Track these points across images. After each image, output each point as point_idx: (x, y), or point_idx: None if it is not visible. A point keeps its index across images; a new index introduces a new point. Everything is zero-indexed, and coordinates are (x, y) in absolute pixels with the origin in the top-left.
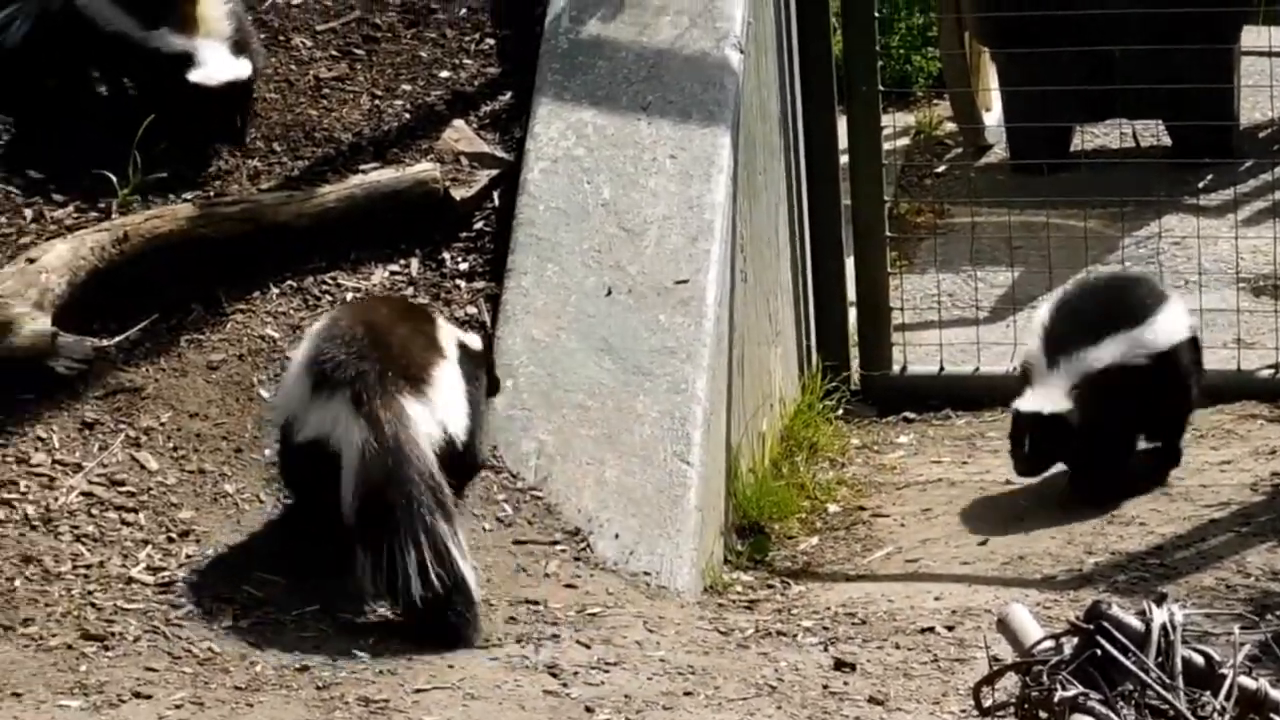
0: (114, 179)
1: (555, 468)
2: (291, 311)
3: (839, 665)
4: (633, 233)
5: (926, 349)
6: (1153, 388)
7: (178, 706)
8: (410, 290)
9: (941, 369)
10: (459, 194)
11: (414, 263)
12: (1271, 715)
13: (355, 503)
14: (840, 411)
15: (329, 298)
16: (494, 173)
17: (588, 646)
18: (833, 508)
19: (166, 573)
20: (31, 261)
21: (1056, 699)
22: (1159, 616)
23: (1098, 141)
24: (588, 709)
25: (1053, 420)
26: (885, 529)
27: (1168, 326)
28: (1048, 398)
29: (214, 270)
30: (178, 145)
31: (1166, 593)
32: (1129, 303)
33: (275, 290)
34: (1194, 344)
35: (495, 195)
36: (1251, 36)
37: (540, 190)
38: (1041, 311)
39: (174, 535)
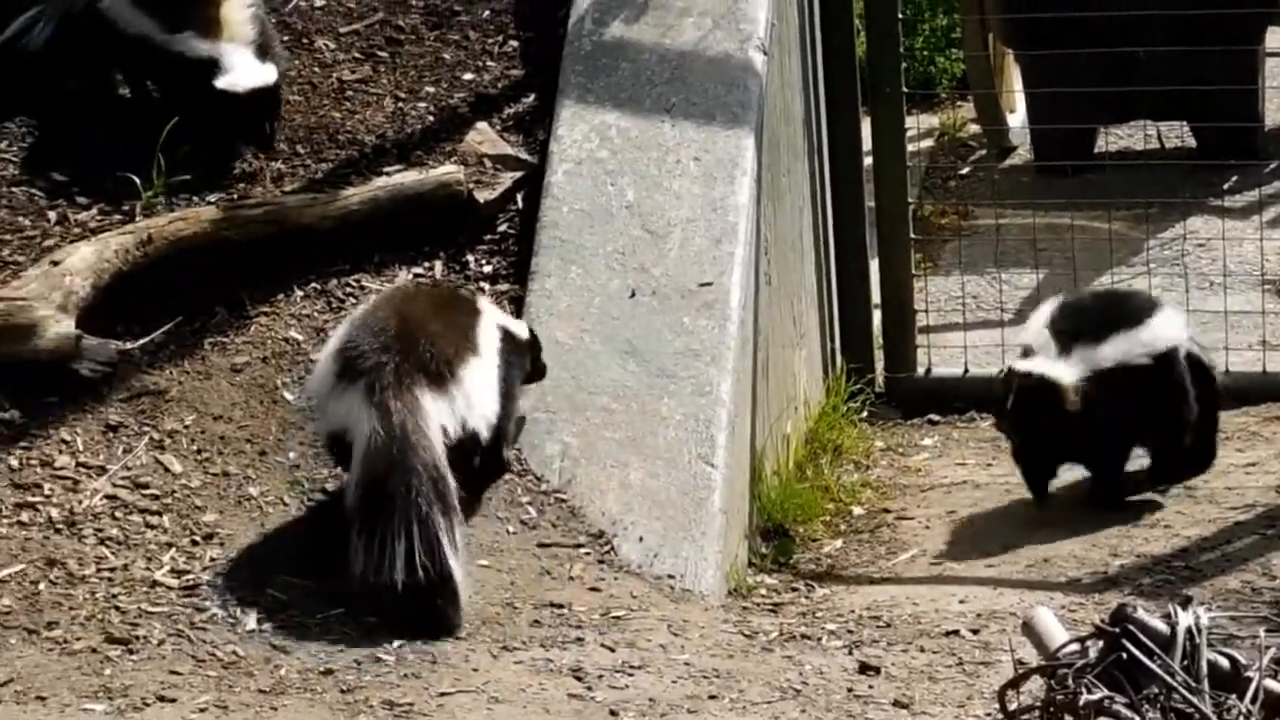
0: (137, 181)
1: (579, 470)
2: (315, 314)
3: (864, 668)
4: (656, 235)
5: (951, 351)
6: (1152, 392)
7: (202, 710)
8: None
9: (966, 371)
10: (482, 196)
11: (437, 265)
12: None
13: (357, 490)
14: (865, 414)
15: (352, 300)
16: (517, 175)
17: (612, 650)
18: (857, 510)
19: (190, 576)
20: (55, 264)
21: (1082, 702)
22: (1184, 619)
23: (1122, 143)
24: (612, 713)
25: (1045, 383)
26: (910, 532)
27: (1165, 333)
28: (1050, 367)
29: (238, 273)
30: (203, 150)
31: (1191, 595)
32: (1129, 309)
33: (299, 293)
34: (1194, 363)
35: (519, 197)
36: (1276, 38)
37: (564, 192)
38: (1045, 308)
39: (198, 538)
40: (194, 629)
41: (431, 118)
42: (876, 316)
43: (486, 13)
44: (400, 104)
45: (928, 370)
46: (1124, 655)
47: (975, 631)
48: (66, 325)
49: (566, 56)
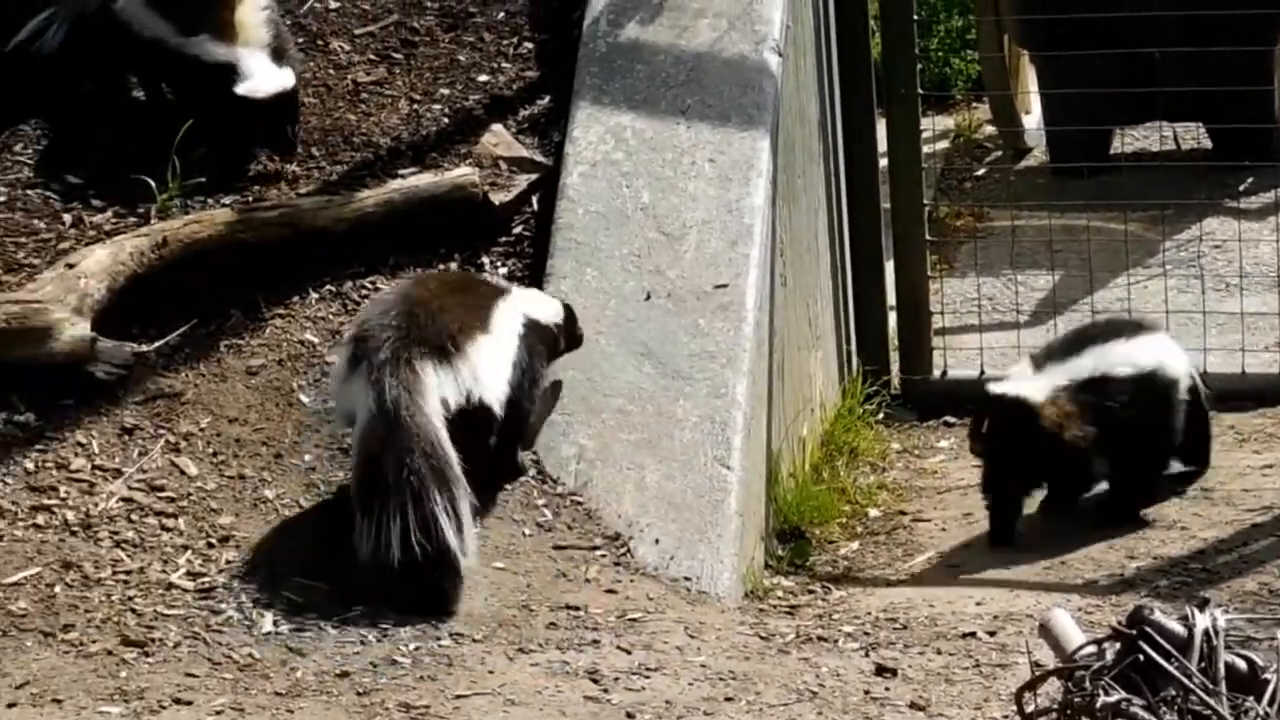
0: (152, 184)
1: (595, 472)
2: (330, 316)
3: (880, 671)
4: (672, 237)
5: (967, 353)
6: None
7: (218, 713)
8: None
9: (982, 373)
10: (498, 198)
11: (452, 267)
12: None
13: (356, 471)
14: (881, 416)
15: (368, 302)
16: (533, 177)
17: (628, 652)
18: (873, 512)
19: (206, 578)
20: (71, 267)
21: (1099, 705)
22: (1201, 621)
23: (1138, 144)
24: (628, 715)
25: (1018, 404)
26: (926, 534)
27: (1149, 359)
28: (1022, 387)
29: (253, 275)
30: (219, 153)
31: (1209, 597)
32: (1123, 328)
33: (314, 295)
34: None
35: (534, 199)
36: None
37: (579, 194)
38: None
39: (214, 541)
40: (210, 631)
41: (446, 120)
42: (892, 318)
43: (501, 14)
44: (415, 106)
45: (943, 372)
46: (1141, 657)
47: (992, 633)
48: (82, 328)
49: (581, 58)
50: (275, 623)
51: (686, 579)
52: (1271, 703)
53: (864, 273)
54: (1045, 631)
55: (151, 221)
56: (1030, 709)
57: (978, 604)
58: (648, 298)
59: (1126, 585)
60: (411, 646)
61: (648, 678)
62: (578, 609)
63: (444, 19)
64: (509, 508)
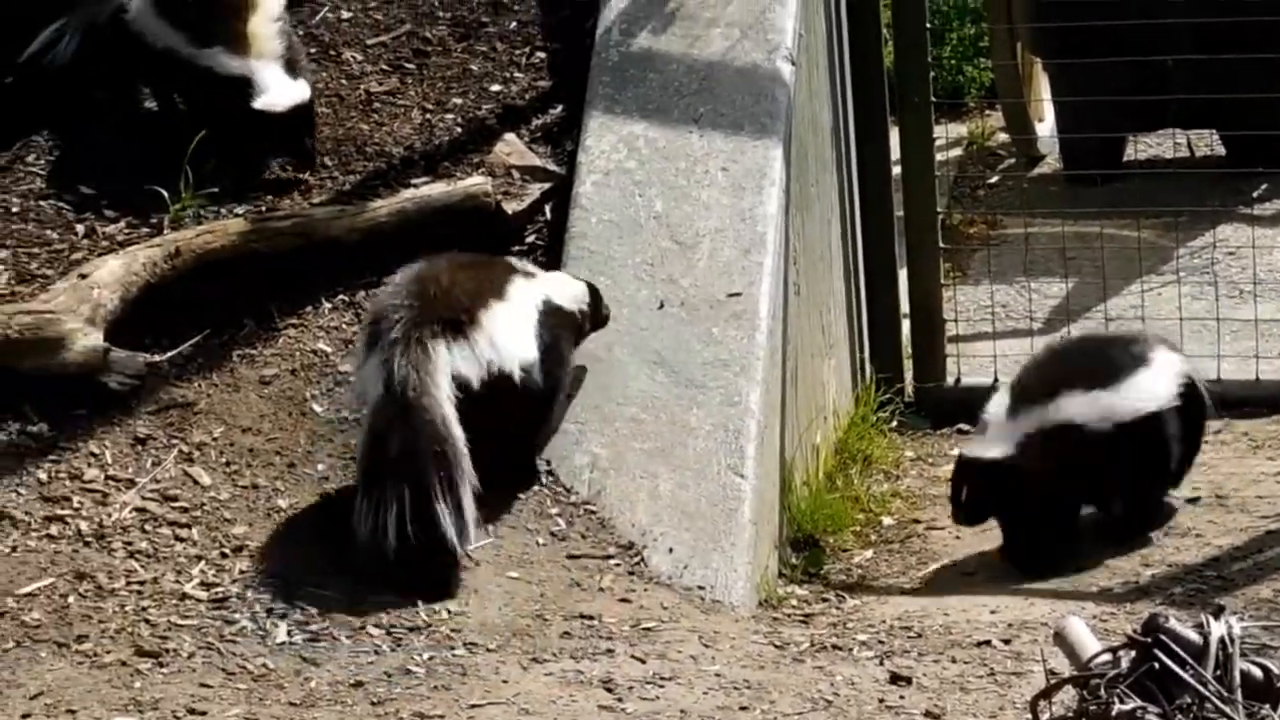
0: (165, 194)
1: (608, 481)
2: (344, 326)
3: (895, 679)
4: (685, 245)
5: (980, 360)
6: (1114, 455)
7: None
8: None
9: (996, 381)
10: (510, 207)
11: None
12: None
13: (361, 453)
14: (894, 424)
15: None
16: (545, 186)
17: (643, 661)
18: (887, 520)
19: (220, 588)
20: (84, 277)
21: (1114, 713)
22: (1217, 629)
23: (1151, 151)
24: None
25: (993, 468)
26: (940, 542)
27: (1137, 392)
28: (995, 446)
29: (266, 285)
30: (237, 166)
31: (1224, 605)
32: (1101, 362)
33: (327, 305)
34: (1181, 412)
35: (547, 209)
36: None
37: (592, 203)
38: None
39: (227, 550)
40: (224, 641)
41: (459, 129)
42: (905, 326)
43: (514, 24)
44: (428, 116)
45: (957, 380)
46: (1156, 665)
47: (1007, 641)
48: (95, 338)
49: (594, 67)
50: (289, 633)
51: (700, 588)
52: None
53: (877, 280)
54: (1060, 639)
55: (164, 232)
56: (1045, 717)
57: (992, 612)
58: (661, 306)
59: (1141, 593)
60: (425, 656)
61: (662, 687)
62: (592, 618)
63: (456, 29)
64: (523, 517)
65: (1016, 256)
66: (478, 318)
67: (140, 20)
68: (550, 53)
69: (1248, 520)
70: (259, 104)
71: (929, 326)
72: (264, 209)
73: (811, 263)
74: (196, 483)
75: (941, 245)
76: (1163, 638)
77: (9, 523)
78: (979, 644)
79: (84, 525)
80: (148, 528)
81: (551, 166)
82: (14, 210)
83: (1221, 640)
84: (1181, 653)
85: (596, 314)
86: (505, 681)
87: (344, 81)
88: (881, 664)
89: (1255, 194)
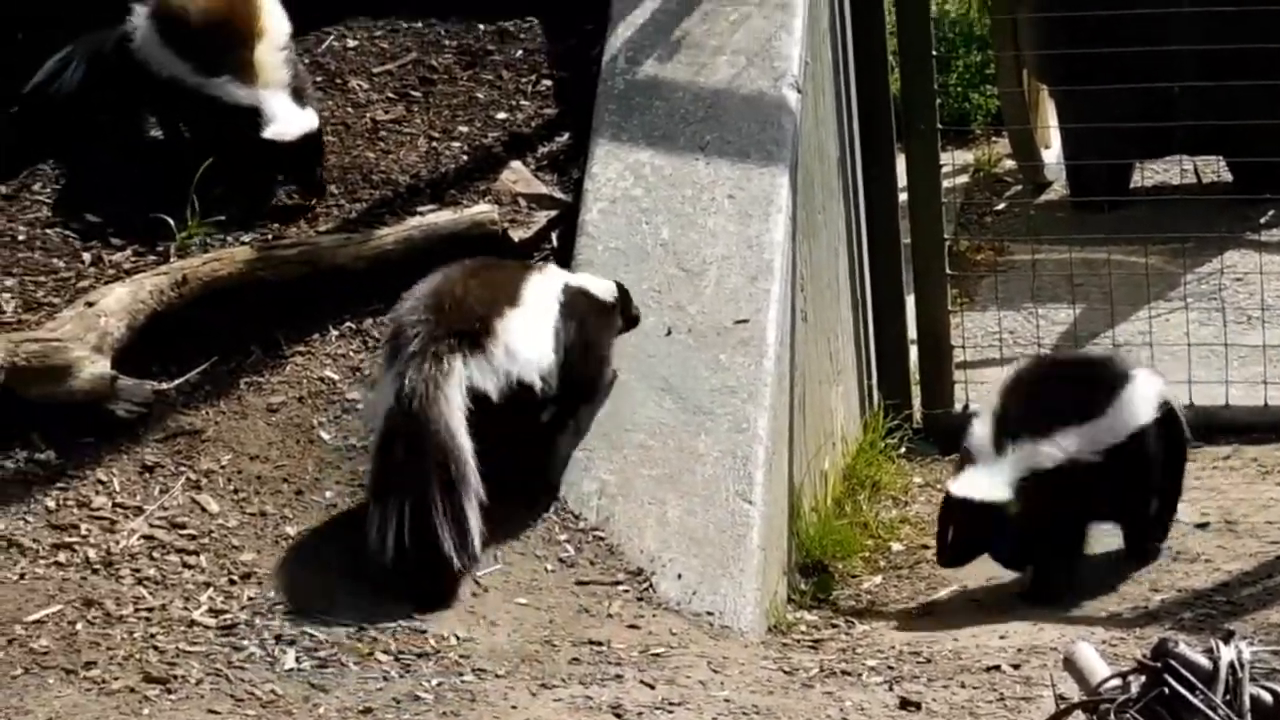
0: (171, 222)
1: (617, 508)
2: (351, 354)
3: (904, 704)
4: (692, 273)
5: (988, 387)
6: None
7: None
8: None
9: (968, 406)
10: (517, 235)
11: None
12: None
13: (372, 460)
14: (902, 450)
15: None
16: (552, 214)
17: (651, 687)
18: (896, 546)
19: (228, 615)
20: (90, 305)
21: None
22: (1226, 654)
23: (1158, 178)
24: None
25: (983, 509)
26: None
27: (1124, 416)
28: (985, 485)
29: (273, 313)
30: (245, 195)
31: (1234, 630)
32: (1085, 390)
33: (334, 332)
34: (1162, 426)
35: (554, 236)
36: None
37: (599, 231)
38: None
39: (235, 577)
40: (232, 668)
41: (465, 157)
42: (913, 352)
43: (519, 52)
44: (434, 144)
45: (965, 406)
46: (1166, 690)
47: (1016, 666)
48: (102, 366)
49: (600, 95)
50: (298, 659)
51: (709, 614)
52: None
53: (884, 307)
54: (1070, 664)
55: (171, 259)
56: None
57: (1001, 637)
58: (668, 333)
59: (1151, 618)
60: (434, 682)
61: (671, 713)
62: (600, 644)
63: (462, 57)
64: (531, 543)
65: (1024, 283)
66: (494, 328)
67: (145, 49)
68: (556, 80)
69: (1257, 545)
70: (268, 133)
71: (937, 353)
72: (270, 237)
73: (819, 289)
74: (204, 510)
75: (949, 272)
76: (1173, 663)
77: (17, 550)
78: (988, 669)
79: (92, 552)
80: (156, 555)
81: (558, 194)
82: (21, 238)
83: (1231, 665)
84: (1191, 678)
85: (626, 313)
86: (514, 707)
87: (350, 110)
88: (891, 689)
89: (1262, 220)
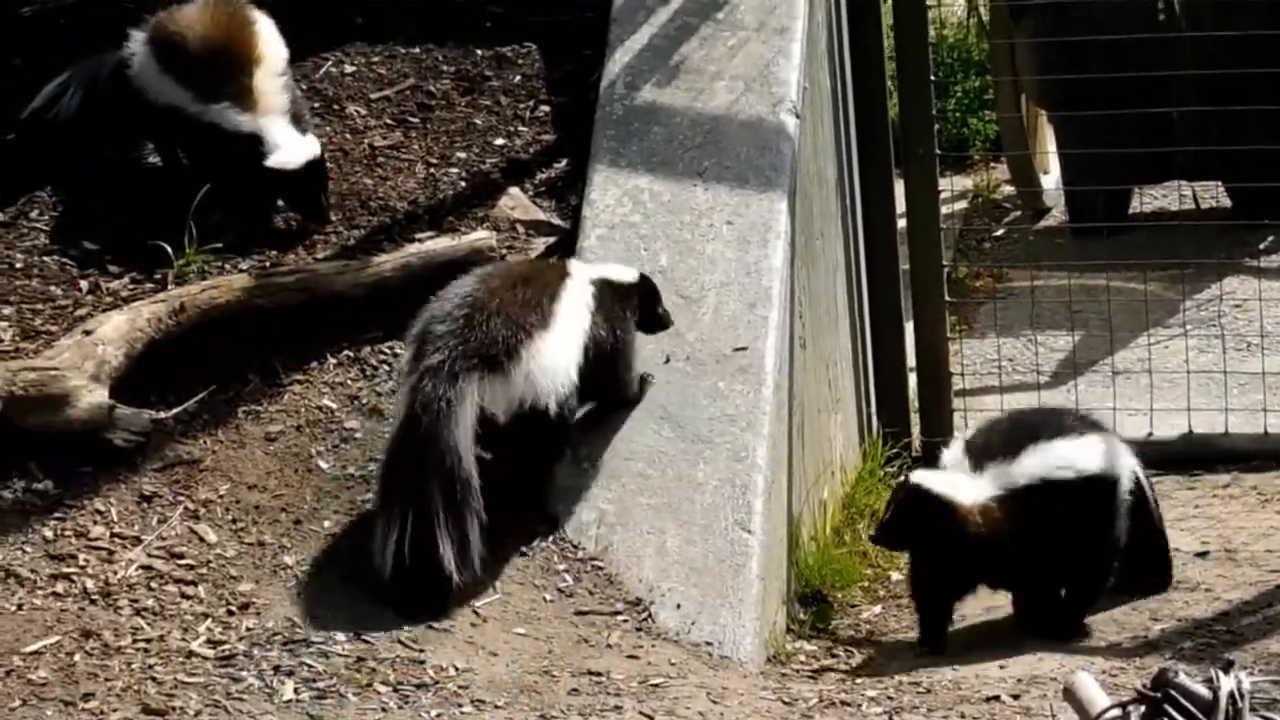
0: (169, 250)
1: (615, 537)
2: (349, 382)
3: None
4: (690, 300)
5: (987, 414)
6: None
7: None
8: None
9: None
10: None
11: None
12: None
13: (380, 469)
14: (902, 478)
15: (386, 368)
16: (550, 240)
17: (651, 718)
18: (895, 575)
19: (226, 646)
20: (88, 333)
21: None
22: (1226, 684)
23: (1157, 204)
24: None
25: (928, 497)
26: None
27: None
28: (944, 480)
29: (271, 341)
30: (245, 223)
31: (1234, 659)
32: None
33: (332, 361)
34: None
35: None
36: None
37: (597, 257)
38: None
39: (234, 608)
40: (230, 699)
41: (463, 183)
42: (912, 380)
43: (517, 78)
44: (432, 170)
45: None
46: None
47: (1016, 697)
48: (100, 395)
49: (598, 121)
50: (296, 690)
51: (708, 644)
52: None
53: (883, 334)
54: (1069, 695)
55: (169, 287)
56: None
57: (1001, 667)
58: (667, 361)
59: (1150, 648)
60: (433, 713)
61: None
62: (600, 675)
63: (460, 83)
64: (530, 573)
65: (1023, 309)
66: (518, 351)
67: (143, 75)
68: (554, 106)
69: (1257, 574)
70: (272, 162)
71: (935, 380)
72: (268, 264)
73: (817, 316)
74: (203, 540)
75: (947, 298)
76: (1172, 692)
77: (15, 580)
78: (988, 699)
79: (90, 583)
80: (154, 585)
81: (556, 220)
82: (18, 266)
83: (1231, 695)
84: (1191, 708)
85: (650, 309)
86: None
87: (348, 136)
88: None
89: (1261, 246)
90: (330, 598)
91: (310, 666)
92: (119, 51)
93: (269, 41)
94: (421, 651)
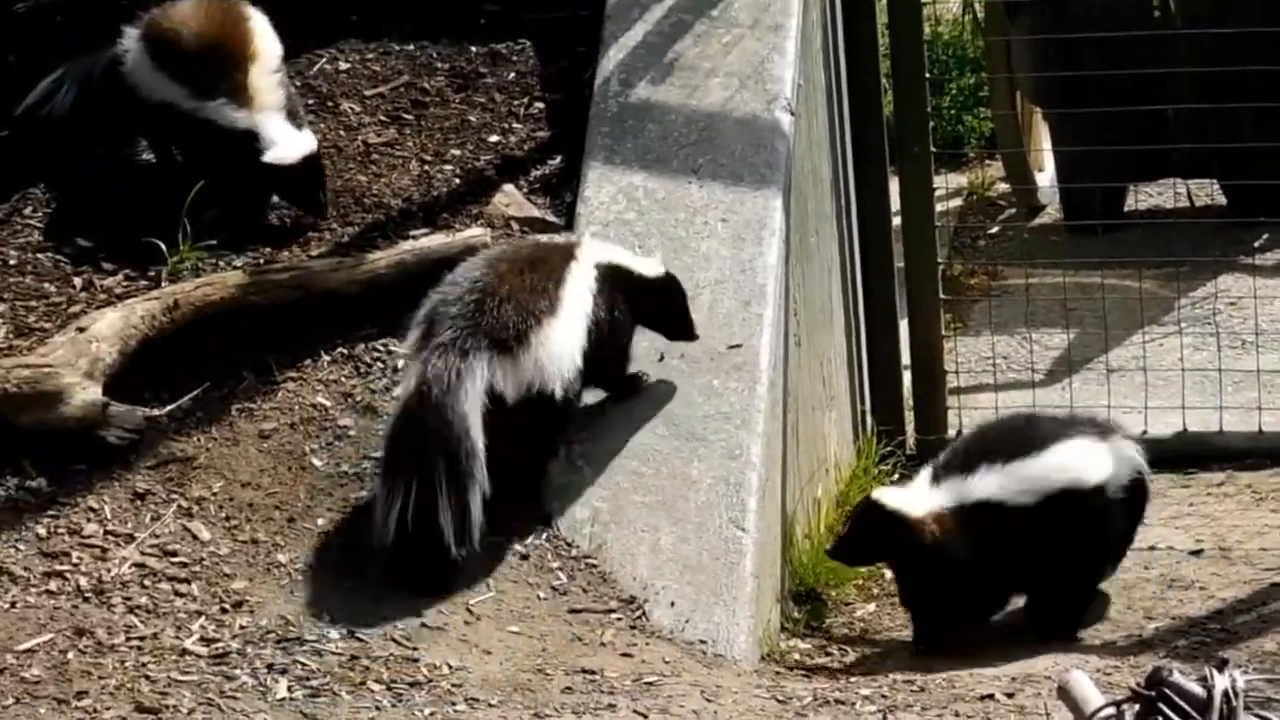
0: (163, 247)
1: (609, 535)
2: (343, 379)
3: None
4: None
5: (982, 412)
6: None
7: None
8: None
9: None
10: None
11: None
12: None
13: (385, 441)
14: (896, 476)
15: (380, 365)
16: None
17: (645, 716)
18: (889, 574)
19: (220, 644)
20: (82, 330)
21: None
22: (1221, 682)
23: (1152, 201)
24: None
25: (889, 517)
26: None
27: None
28: (912, 500)
29: (265, 338)
30: (241, 219)
31: (1228, 658)
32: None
33: (326, 358)
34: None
35: None
36: None
37: None
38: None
39: (227, 606)
40: (224, 697)
41: (457, 180)
42: (906, 378)
43: (512, 75)
44: (426, 167)
45: (959, 432)
46: (1160, 719)
47: (1010, 695)
48: (93, 392)
49: (592, 118)
50: (290, 688)
51: (702, 642)
52: None
53: (877, 332)
54: (1064, 693)
55: (162, 284)
56: None
57: (995, 665)
58: (661, 359)
59: (1145, 646)
60: (427, 712)
61: None
62: (593, 673)
63: (454, 80)
64: (523, 571)
65: (1017, 307)
66: (528, 337)
67: (137, 72)
68: (549, 103)
69: (1251, 573)
70: (269, 157)
71: (930, 378)
72: (262, 261)
73: (812, 314)
74: (196, 538)
75: (942, 296)
76: (1167, 691)
77: (8, 578)
78: (982, 698)
79: (83, 581)
80: (147, 583)
81: (550, 218)
82: (12, 263)
83: (1225, 693)
84: (1186, 706)
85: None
86: None
87: (342, 133)
88: (885, 718)
89: (1256, 244)
90: (324, 596)
91: (304, 664)
92: (113, 48)
93: (263, 38)
94: (415, 650)
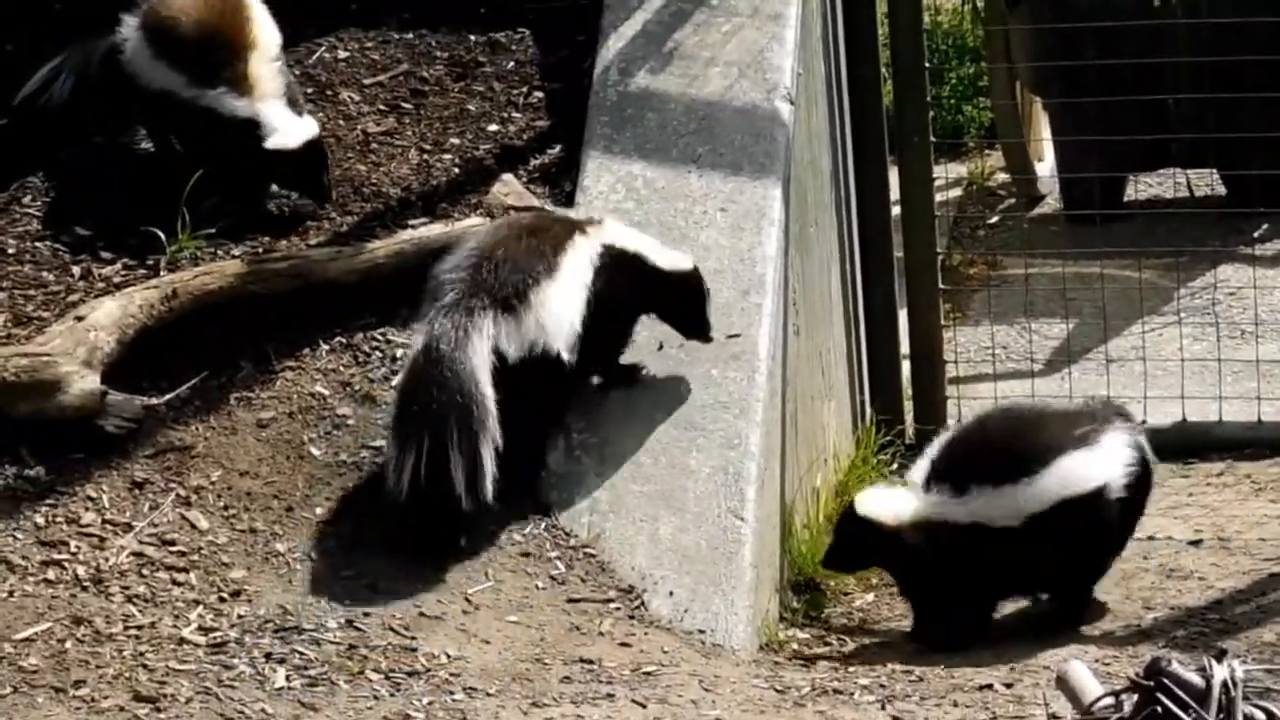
0: (162, 236)
1: (608, 524)
2: (341, 368)
3: None
4: None
5: (981, 402)
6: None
7: None
8: None
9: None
10: None
11: None
12: None
13: (394, 401)
14: (895, 466)
15: (379, 354)
16: None
17: (643, 706)
18: None
19: (218, 633)
20: (80, 319)
21: None
22: (1219, 673)
23: (1151, 191)
24: None
25: (869, 526)
26: None
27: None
28: (894, 508)
29: (263, 327)
30: (241, 208)
31: (1227, 648)
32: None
33: (325, 347)
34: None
35: None
36: None
37: None
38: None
39: (225, 595)
40: (222, 687)
41: (457, 169)
42: (905, 368)
43: (511, 64)
44: (425, 156)
45: (958, 422)
46: (1159, 709)
47: (1009, 685)
48: (91, 381)
49: (592, 107)
50: (288, 678)
51: (701, 631)
52: None
53: (877, 322)
54: (1062, 683)
55: (161, 273)
56: None
57: (994, 655)
58: (660, 348)
59: (1143, 636)
60: (425, 701)
61: None
62: (592, 662)
63: (453, 69)
64: (522, 560)
65: (1017, 297)
66: (528, 296)
67: (136, 60)
68: (548, 92)
69: (1250, 563)
70: (271, 144)
71: (929, 368)
72: (261, 250)
73: (811, 304)
74: (194, 527)
75: (941, 286)
76: (1165, 681)
77: (6, 567)
78: (981, 688)
79: (81, 570)
80: (145, 572)
81: (550, 207)
82: (10, 252)
83: (1224, 684)
84: (1184, 696)
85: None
86: None
87: (341, 122)
88: (883, 708)
89: (1256, 234)
90: (322, 585)
91: (302, 654)
92: (111, 37)
93: (262, 26)
94: (413, 639)
